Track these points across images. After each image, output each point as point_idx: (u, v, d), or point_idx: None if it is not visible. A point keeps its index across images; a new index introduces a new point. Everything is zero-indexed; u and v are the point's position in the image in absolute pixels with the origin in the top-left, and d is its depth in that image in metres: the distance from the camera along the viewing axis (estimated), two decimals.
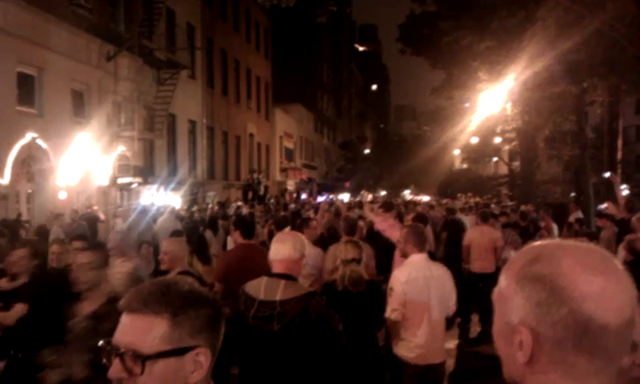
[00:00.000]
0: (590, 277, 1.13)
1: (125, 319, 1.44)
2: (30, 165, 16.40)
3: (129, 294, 1.47)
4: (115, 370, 1.40)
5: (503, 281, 1.24)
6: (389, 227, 7.55)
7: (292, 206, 23.56)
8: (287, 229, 8.81)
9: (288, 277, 3.82)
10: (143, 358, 1.38)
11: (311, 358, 3.65)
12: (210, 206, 20.46)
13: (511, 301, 1.19)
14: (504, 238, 10.56)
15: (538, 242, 1.27)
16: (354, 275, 5.13)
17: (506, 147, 39.72)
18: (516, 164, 37.79)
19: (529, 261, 1.20)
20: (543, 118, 25.91)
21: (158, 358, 1.39)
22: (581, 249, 1.21)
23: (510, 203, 20.00)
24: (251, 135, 38.73)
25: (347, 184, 56.78)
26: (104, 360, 1.43)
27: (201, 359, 1.44)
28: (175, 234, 9.26)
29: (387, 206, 10.29)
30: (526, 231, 11.87)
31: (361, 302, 5.10)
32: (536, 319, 1.15)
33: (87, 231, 13.62)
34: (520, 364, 1.18)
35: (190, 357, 1.43)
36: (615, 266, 1.17)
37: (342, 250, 5.35)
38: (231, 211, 18.90)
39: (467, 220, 15.17)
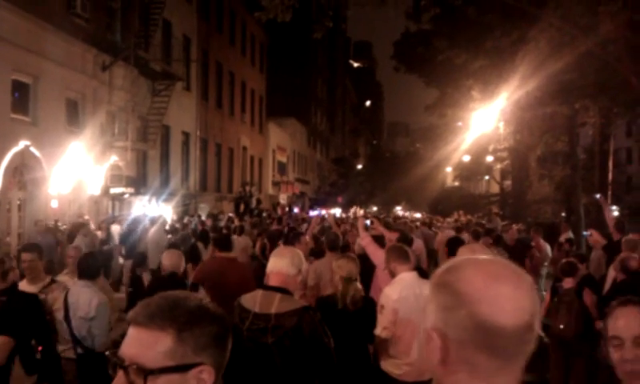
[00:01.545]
0: (488, 283, 1.22)
1: (131, 332, 1.43)
2: (22, 173, 16.35)
3: (137, 307, 1.46)
4: (119, 382, 1.40)
5: (426, 291, 1.36)
6: (369, 244, 7.57)
7: (289, 219, 23.54)
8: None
9: (283, 290, 3.84)
10: (146, 373, 1.37)
11: (304, 372, 3.67)
12: (195, 218, 20.41)
13: (427, 308, 1.30)
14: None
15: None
16: (357, 296, 5.20)
17: (498, 166, 39.86)
18: (508, 183, 37.92)
19: (443, 271, 1.30)
20: (535, 137, 26.09)
21: (160, 373, 1.38)
22: (486, 260, 1.31)
23: (503, 223, 20.04)
24: (244, 148, 38.76)
25: (340, 199, 56.80)
26: (109, 370, 1.43)
27: (204, 376, 1.43)
28: (172, 246, 9.27)
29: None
30: (516, 250, 11.82)
31: (357, 319, 5.13)
32: (443, 322, 1.24)
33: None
34: (435, 365, 1.26)
35: (193, 374, 1.42)
36: (517, 274, 1.26)
37: (342, 267, 5.35)
38: (222, 223, 18.89)
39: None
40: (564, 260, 7.79)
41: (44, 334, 5.00)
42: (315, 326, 3.72)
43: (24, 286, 5.66)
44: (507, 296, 1.20)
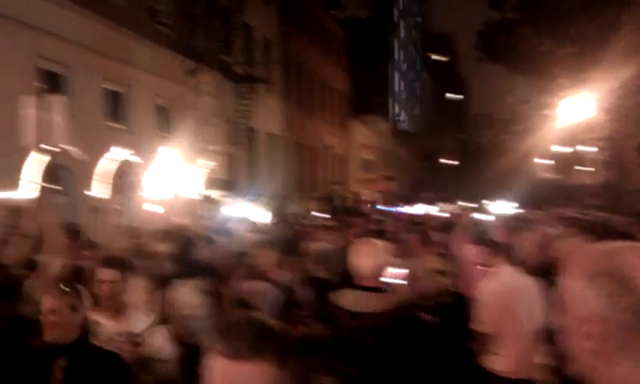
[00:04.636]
0: None
1: (225, 366, 1.35)
2: (119, 179, 16.98)
3: (229, 338, 1.38)
4: None
5: (568, 281, 1.35)
6: (460, 243, 7.47)
7: (376, 216, 23.49)
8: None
9: (376, 289, 3.81)
10: None
11: (403, 370, 3.62)
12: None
13: (580, 296, 1.30)
14: None
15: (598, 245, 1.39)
16: (440, 287, 5.14)
17: (593, 156, 38.30)
18: (604, 173, 36.38)
19: (595, 259, 1.32)
20: (633, 125, 24.89)
21: None
22: (635, 245, 1.34)
23: (600, 214, 19.15)
24: (328, 147, 38.91)
25: (425, 195, 56.19)
26: None
27: None
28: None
29: None
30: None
31: (445, 313, 5.08)
32: (607, 309, 1.25)
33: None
34: (589, 353, 1.28)
35: None
36: None
37: (427, 262, 5.33)
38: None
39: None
40: None
41: None
42: (412, 323, 3.67)
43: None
44: None
